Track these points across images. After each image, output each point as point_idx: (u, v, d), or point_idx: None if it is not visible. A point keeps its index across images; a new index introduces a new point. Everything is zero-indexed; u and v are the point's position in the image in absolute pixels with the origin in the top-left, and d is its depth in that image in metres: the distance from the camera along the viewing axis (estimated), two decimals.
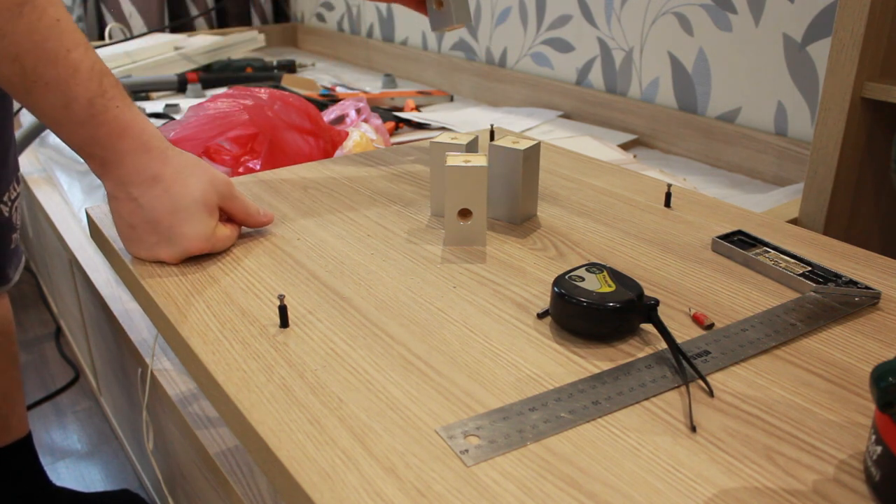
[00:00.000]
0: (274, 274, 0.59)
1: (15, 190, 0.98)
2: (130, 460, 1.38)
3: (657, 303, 0.50)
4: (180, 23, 2.37)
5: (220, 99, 1.00)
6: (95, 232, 0.69)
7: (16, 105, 1.10)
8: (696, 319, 0.52)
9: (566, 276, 0.52)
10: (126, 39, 2.01)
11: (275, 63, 2.03)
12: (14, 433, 1.11)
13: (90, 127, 0.56)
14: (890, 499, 0.36)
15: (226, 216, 0.63)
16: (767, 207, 1.00)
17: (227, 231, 0.62)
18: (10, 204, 0.97)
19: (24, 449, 1.13)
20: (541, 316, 0.53)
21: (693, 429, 0.42)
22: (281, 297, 0.51)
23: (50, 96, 0.54)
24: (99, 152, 0.57)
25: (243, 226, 0.66)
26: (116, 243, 0.64)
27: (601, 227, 0.68)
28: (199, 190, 0.59)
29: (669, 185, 0.74)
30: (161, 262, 0.60)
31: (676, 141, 1.37)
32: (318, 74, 2.06)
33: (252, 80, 1.87)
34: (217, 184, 0.61)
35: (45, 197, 1.50)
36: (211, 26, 2.52)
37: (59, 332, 1.80)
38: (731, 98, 1.29)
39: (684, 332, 0.51)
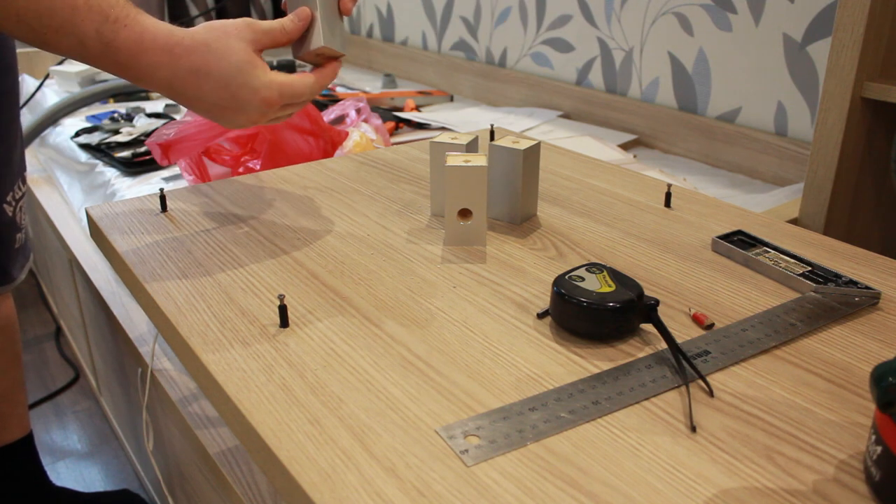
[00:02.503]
0: (274, 274, 0.59)
1: (20, 190, 0.99)
2: (130, 460, 1.38)
3: (657, 303, 0.50)
4: (180, 23, 2.37)
5: None
6: (95, 232, 0.69)
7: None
8: (696, 319, 0.52)
9: (566, 276, 0.52)
10: None
11: (275, 63, 2.03)
12: (15, 433, 1.11)
13: (110, 55, 0.56)
14: (890, 499, 0.36)
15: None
16: (767, 207, 1.00)
17: (294, 78, 0.61)
18: (14, 204, 0.98)
19: (25, 449, 1.13)
20: (541, 316, 0.53)
21: (693, 429, 0.42)
22: (281, 297, 0.51)
23: (63, 40, 0.55)
24: (133, 74, 0.58)
25: (287, 42, 0.63)
26: (116, 243, 0.64)
27: (601, 227, 0.68)
28: (238, 51, 0.58)
29: (669, 185, 0.74)
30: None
31: (676, 141, 1.37)
32: None
33: None
34: (243, 34, 0.60)
35: (45, 197, 1.50)
36: None
37: (59, 332, 1.79)
38: (731, 98, 1.29)
39: (684, 332, 0.51)
